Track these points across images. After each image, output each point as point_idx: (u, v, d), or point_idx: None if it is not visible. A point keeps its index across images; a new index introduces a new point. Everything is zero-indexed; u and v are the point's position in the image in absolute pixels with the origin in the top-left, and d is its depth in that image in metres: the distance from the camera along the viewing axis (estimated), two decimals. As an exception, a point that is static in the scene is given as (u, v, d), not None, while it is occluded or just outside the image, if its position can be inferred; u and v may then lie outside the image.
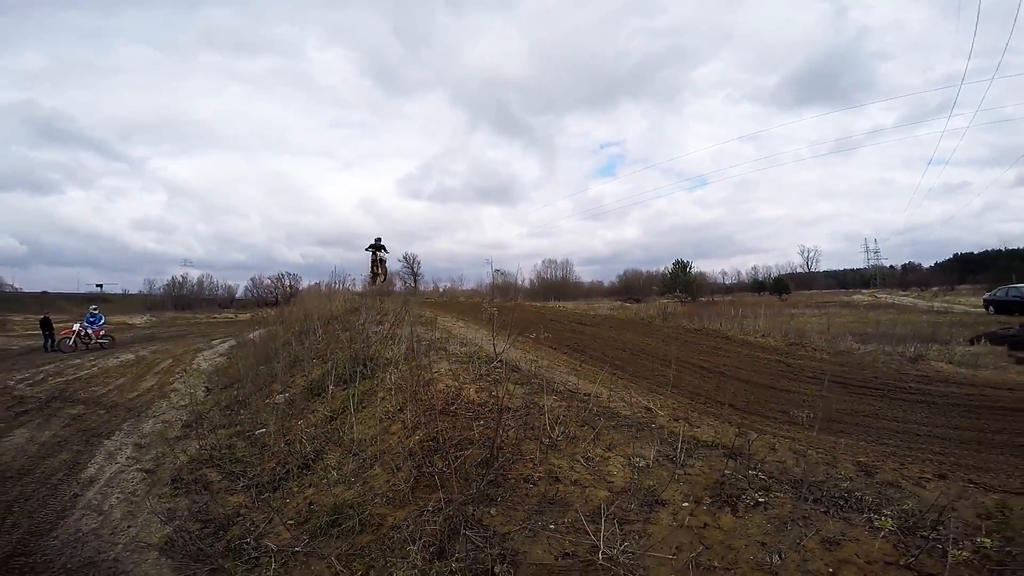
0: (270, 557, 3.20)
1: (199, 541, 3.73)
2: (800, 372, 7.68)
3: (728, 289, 53.18)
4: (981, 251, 56.53)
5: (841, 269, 63.79)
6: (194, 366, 12.82)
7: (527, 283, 51.05)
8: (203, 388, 10.41)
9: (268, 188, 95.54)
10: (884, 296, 36.47)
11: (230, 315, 35.20)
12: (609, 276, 62.63)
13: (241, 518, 4.08)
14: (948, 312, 22.75)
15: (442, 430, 3.56)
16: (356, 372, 5.64)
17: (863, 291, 43.29)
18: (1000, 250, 54.96)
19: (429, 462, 3.24)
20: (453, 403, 4.12)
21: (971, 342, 13.08)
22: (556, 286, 52.33)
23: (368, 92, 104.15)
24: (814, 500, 2.88)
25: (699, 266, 61.14)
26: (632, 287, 50.87)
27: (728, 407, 5.43)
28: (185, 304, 47.27)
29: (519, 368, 5.21)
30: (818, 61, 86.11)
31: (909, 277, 53.67)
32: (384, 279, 18.52)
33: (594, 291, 53.72)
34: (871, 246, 56.65)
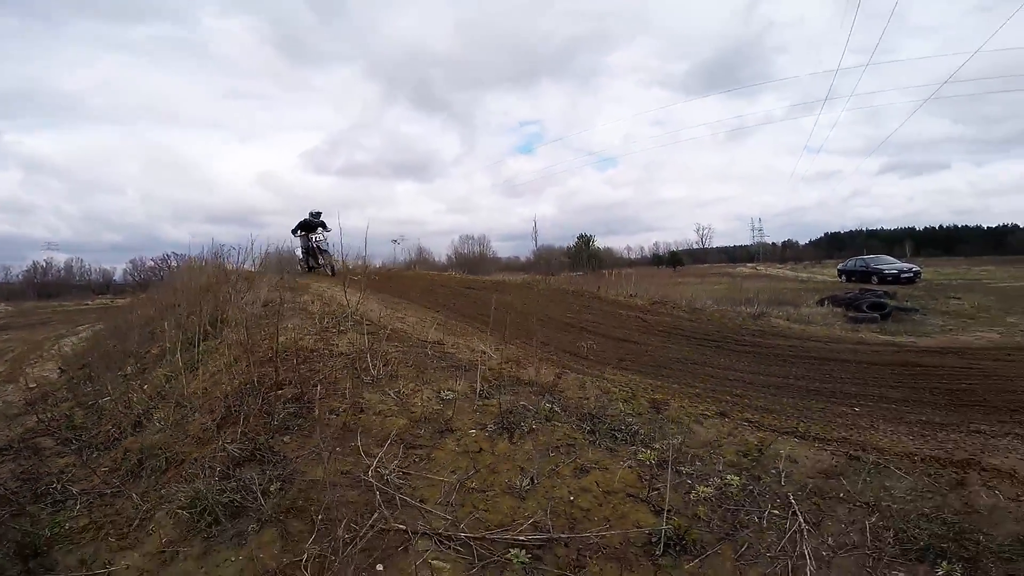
0: (75, 500, 3.17)
1: (11, 493, 3.61)
2: (653, 327, 8.36)
3: (632, 263, 56.00)
4: (847, 231, 63.90)
5: (731, 245, 69.09)
6: (53, 351, 11.73)
7: (443, 258, 50.54)
8: (58, 370, 9.61)
9: (149, 163, 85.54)
10: (763, 268, 40.13)
11: (105, 301, 31.85)
12: (525, 251, 63.53)
13: (63, 474, 3.97)
14: (810, 280, 25.48)
15: (263, 374, 3.58)
16: (198, 336, 5.45)
17: (747, 264, 47.34)
18: (861, 230, 62.50)
19: (240, 402, 3.27)
20: (287, 352, 4.13)
21: (819, 304, 14.89)
22: (473, 261, 52.32)
23: (271, 61, 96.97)
24: (591, 431, 3.11)
25: (608, 242, 63.57)
26: (546, 262, 52.11)
27: (567, 354, 5.85)
28: (51, 292, 41.68)
29: (373, 321, 5.28)
30: (725, 52, 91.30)
31: (787, 252, 59.40)
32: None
33: (511, 266, 54.40)
34: (756, 225, 61.88)
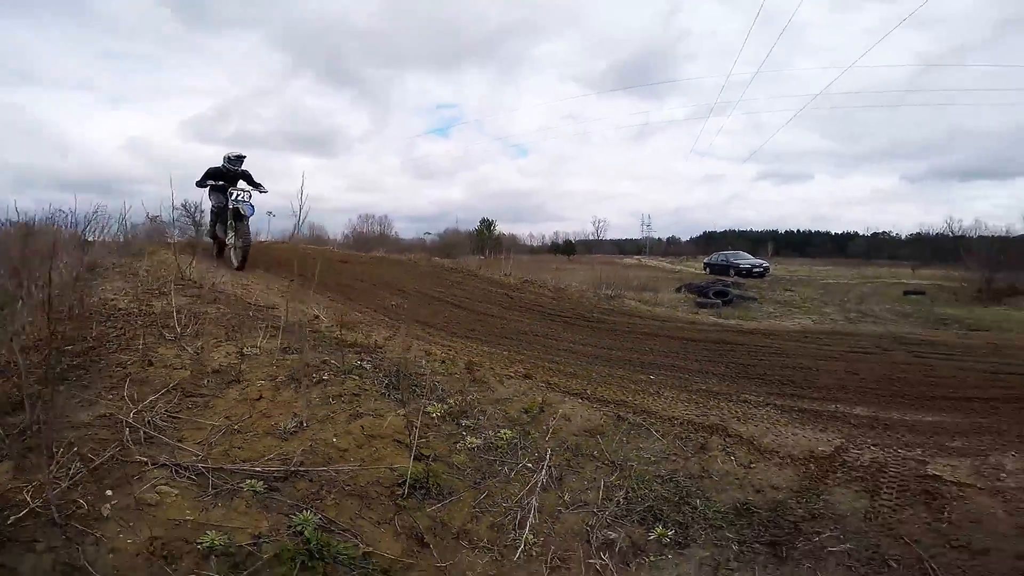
0: None
1: None
2: (516, 303, 8.78)
3: (533, 250, 57.50)
4: (722, 230, 70.28)
5: (623, 239, 73.42)
6: None
7: (339, 236, 48.34)
8: None
9: (-9, 123, 73.69)
10: (646, 260, 43.12)
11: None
12: (431, 234, 62.45)
13: None
14: (681, 271, 27.80)
15: (57, 332, 3.40)
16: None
17: (634, 256, 50.56)
18: (734, 230, 69.10)
19: (21, 358, 3.08)
20: (91, 311, 3.92)
21: (677, 290, 16.42)
22: (373, 241, 50.62)
23: (164, 22, 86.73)
24: (389, 385, 3.19)
25: (514, 229, 64.68)
26: (451, 245, 51.82)
27: (419, 323, 6.04)
28: None
29: (201, 286, 5.10)
30: (642, 54, 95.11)
31: (670, 247, 64.31)
32: (243, 250, 7.67)
33: (414, 248, 53.41)
34: (646, 221, 66.30)
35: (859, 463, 2.96)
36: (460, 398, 3.28)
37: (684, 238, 70.01)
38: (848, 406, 4.25)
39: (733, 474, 2.74)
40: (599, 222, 69.09)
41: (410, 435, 2.57)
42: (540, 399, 3.42)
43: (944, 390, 4.88)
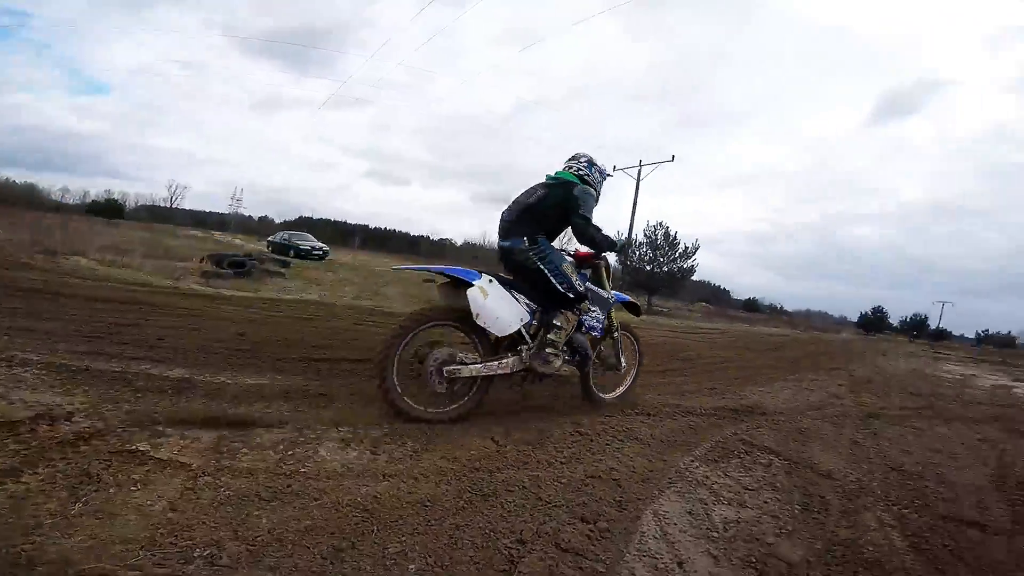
0: None
1: None
2: None
3: (60, 207, 42.45)
4: (319, 217, 70.43)
5: (207, 211, 64.09)
6: None
7: None
8: None
9: None
10: (218, 235, 38.25)
11: None
12: None
13: None
14: (245, 247, 25.32)
15: None
16: None
17: (214, 232, 44.16)
18: (331, 219, 70.33)
19: None
20: None
21: (201, 260, 14.17)
22: None
23: None
24: None
25: (39, 179, 46.68)
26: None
27: None
28: None
29: None
30: (311, 25, 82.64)
31: (259, 226, 59.48)
32: None
33: None
34: (238, 195, 59.30)
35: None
36: None
37: (278, 220, 66.25)
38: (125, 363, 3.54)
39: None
40: (177, 187, 57.47)
41: None
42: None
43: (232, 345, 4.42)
